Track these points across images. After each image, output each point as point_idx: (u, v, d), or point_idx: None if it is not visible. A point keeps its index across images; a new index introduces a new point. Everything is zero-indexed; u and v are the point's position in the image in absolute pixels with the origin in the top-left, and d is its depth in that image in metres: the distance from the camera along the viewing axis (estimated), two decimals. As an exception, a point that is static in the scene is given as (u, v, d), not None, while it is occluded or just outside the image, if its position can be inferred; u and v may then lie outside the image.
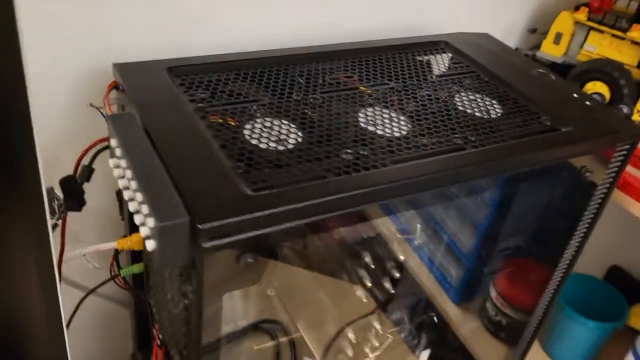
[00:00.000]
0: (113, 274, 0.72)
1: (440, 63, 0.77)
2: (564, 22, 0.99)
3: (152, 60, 0.64)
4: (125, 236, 0.68)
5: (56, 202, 0.63)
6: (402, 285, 0.82)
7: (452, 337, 0.99)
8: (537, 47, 1.03)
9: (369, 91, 0.69)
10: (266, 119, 0.59)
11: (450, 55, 0.79)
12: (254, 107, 0.61)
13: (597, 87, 0.94)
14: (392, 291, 0.81)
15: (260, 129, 0.58)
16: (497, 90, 0.72)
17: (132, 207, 0.49)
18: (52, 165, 0.63)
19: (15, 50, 0.37)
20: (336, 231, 0.63)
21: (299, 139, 0.57)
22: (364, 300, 0.76)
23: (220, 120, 0.58)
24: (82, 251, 0.70)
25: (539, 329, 0.93)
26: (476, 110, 0.67)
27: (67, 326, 0.78)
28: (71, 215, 0.66)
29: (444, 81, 0.72)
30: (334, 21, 0.82)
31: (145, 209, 0.46)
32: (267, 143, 0.56)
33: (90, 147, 0.63)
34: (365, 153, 0.56)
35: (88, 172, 0.62)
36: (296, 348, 0.80)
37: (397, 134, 0.60)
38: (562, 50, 1.01)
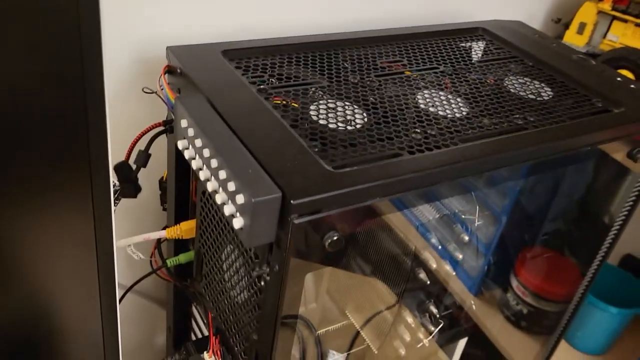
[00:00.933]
0: (155, 266, 0.71)
1: (480, 49, 0.77)
2: (587, 12, 1.00)
3: (206, 44, 0.63)
4: (167, 227, 0.67)
5: (112, 188, 0.61)
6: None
7: (475, 329, 0.99)
8: (560, 37, 1.04)
9: (415, 75, 0.68)
10: (328, 100, 0.59)
11: (489, 41, 0.79)
12: (313, 89, 0.61)
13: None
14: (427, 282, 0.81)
15: (325, 110, 0.57)
16: (543, 74, 0.72)
17: (210, 186, 0.48)
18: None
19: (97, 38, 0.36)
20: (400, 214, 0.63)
21: (365, 119, 0.57)
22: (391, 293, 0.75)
23: (284, 102, 0.57)
24: (130, 240, 0.69)
25: (572, 320, 0.94)
26: (528, 92, 0.67)
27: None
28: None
29: (490, 65, 0.72)
30: (368, 7, 0.81)
31: (232, 185, 0.45)
32: (335, 123, 0.55)
33: (145, 132, 0.61)
34: (434, 132, 0.56)
35: (145, 158, 0.60)
36: (321, 343, 0.80)
37: (458, 115, 0.60)
38: (585, 40, 1.02)
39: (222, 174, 0.46)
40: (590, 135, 0.61)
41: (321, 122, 0.55)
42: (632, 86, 0.72)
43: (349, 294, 0.72)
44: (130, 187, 0.60)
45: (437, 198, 0.57)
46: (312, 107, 0.57)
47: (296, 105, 0.58)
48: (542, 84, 0.70)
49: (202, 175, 0.49)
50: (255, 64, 0.63)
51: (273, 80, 0.61)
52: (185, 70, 0.58)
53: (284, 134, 0.51)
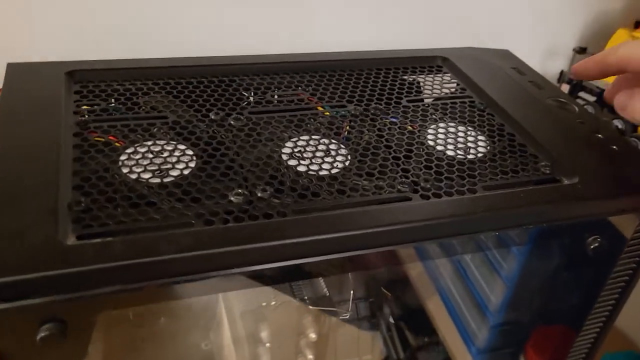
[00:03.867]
0: None
1: (428, 85, 0.62)
2: (620, 41, 0.79)
3: (55, 62, 0.54)
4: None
5: None
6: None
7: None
8: (588, 71, 0.84)
9: (327, 113, 0.55)
10: (159, 142, 0.47)
11: (445, 74, 0.63)
12: (156, 125, 0.49)
13: (655, 125, 0.74)
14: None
15: (144, 153, 0.45)
16: (490, 122, 0.55)
17: None
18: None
19: None
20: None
21: (186, 171, 0.44)
22: None
23: (100, 139, 0.47)
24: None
25: None
26: (451, 148, 0.51)
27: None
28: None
29: (423, 107, 0.57)
30: (300, 26, 0.69)
31: None
32: (139, 173, 0.43)
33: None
34: (264, 195, 0.42)
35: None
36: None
37: (323, 173, 0.46)
38: (618, 76, 0.81)
39: None
40: (506, 213, 0.44)
41: (124, 169, 0.44)
42: (614, 147, 0.53)
43: None
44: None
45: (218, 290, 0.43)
46: (129, 150, 0.46)
47: (118, 144, 0.47)
48: (481, 137, 0.53)
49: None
50: (104, 89, 0.52)
51: (112, 110, 0.50)
52: (4, 87, 0.49)
53: (48, 183, 0.40)
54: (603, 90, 0.81)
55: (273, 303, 0.51)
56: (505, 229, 0.46)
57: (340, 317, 0.55)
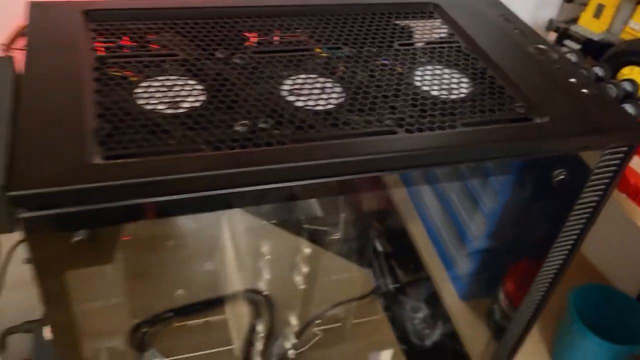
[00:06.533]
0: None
1: (419, 30, 0.66)
2: (604, -9, 0.83)
3: (73, 1, 0.58)
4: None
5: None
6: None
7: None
8: (576, 20, 0.88)
9: (324, 55, 0.59)
10: (171, 76, 0.52)
11: (437, 21, 0.67)
12: (167, 62, 0.54)
13: (633, 74, 0.79)
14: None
15: (158, 87, 0.50)
16: (474, 65, 0.60)
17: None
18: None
19: None
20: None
21: (197, 104, 0.49)
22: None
23: (117, 74, 0.51)
24: None
25: (528, 330, 0.82)
26: (435, 88, 0.56)
27: None
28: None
29: (412, 50, 0.61)
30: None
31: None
32: (155, 104, 0.48)
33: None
34: (265, 126, 0.48)
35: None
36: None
37: (319, 108, 0.51)
38: (604, 26, 0.85)
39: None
40: (480, 147, 0.50)
41: (140, 101, 0.49)
42: (584, 91, 0.58)
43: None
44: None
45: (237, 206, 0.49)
46: (143, 83, 0.51)
47: (133, 78, 0.51)
48: (463, 79, 0.58)
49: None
50: (119, 28, 0.57)
51: (126, 48, 0.55)
52: (29, 27, 0.54)
53: (75, 111, 0.45)
54: (588, 39, 0.85)
55: (273, 221, 0.57)
56: (479, 161, 0.51)
57: (332, 237, 0.61)
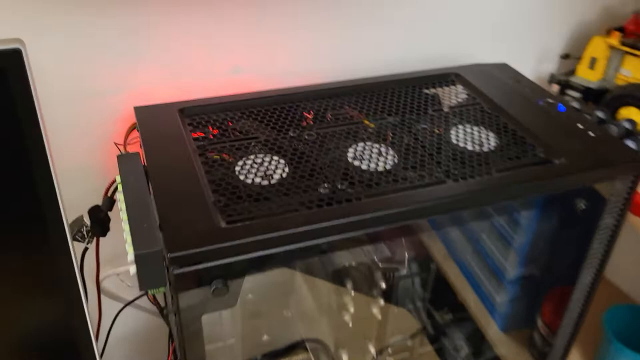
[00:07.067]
0: (143, 291, 0.81)
1: (447, 96, 0.79)
2: (597, 47, 0.97)
3: (167, 103, 0.72)
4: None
5: (84, 228, 0.71)
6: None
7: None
8: (573, 72, 1.02)
9: (372, 125, 0.72)
10: (258, 155, 0.65)
11: (459, 87, 0.81)
12: (253, 143, 0.67)
13: (631, 114, 0.91)
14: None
15: (251, 164, 0.63)
16: (497, 122, 0.73)
17: (125, 236, 0.56)
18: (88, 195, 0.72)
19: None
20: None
21: (284, 174, 0.62)
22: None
23: (217, 157, 0.64)
24: (115, 271, 0.79)
25: (566, 355, 0.91)
26: (469, 143, 0.69)
27: (108, 336, 0.87)
28: (108, 240, 0.74)
29: (444, 114, 0.74)
30: (345, 57, 0.86)
31: (128, 238, 0.52)
32: (252, 178, 0.61)
33: (114, 181, 0.71)
34: (343, 187, 0.60)
35: (110, 202, 0.70)
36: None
37: (380, 169, 0.64)
38: (599, 75, 0.99)
39: (126, 227, 0.54)
40: (515, 187, 0.62)
41: (241, 177, 0.61)
42: (591, 134, 0.70)
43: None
44: (98, 227, 0.70)
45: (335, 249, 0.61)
46: (239, 162, 0.64)
47: (230, 160, 0.64)
48: (490, 133, 0.71)
49: (125, 227, 0.57)
50: (207, 120, 0.71)
51: (217, 135, 0.68)
52: (140, 127, 0.67)
53: (195, 190, 0.58)
54: (586, 87, 0.98)
55: (353, 263, 0.68)
56: (513, 199, 0.63)
57: (400, 273, 0.72)
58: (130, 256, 0.53)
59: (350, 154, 0.66)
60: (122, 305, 0.88)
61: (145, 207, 0.55)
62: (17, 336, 0.63)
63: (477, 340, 0.98)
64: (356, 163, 0.64)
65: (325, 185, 0.60)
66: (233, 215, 0.56)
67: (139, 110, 0.70)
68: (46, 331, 0.65)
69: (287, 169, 0.63)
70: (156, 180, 0.59)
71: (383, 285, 0.71)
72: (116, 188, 0.71)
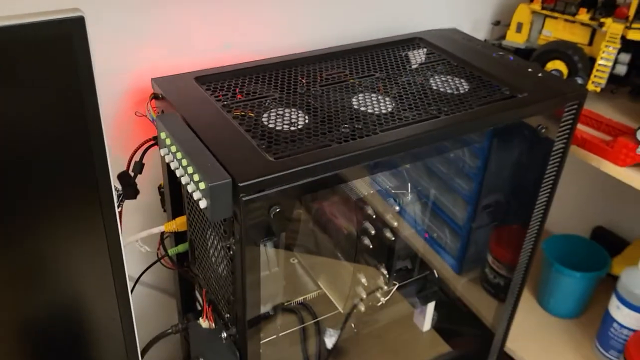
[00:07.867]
0: (160, 255, 0.87)
1: (417, 56, 0.92)
2: (522, 13, 1.14)
3: (182, 73, 0.80)
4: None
5: (115, 193, 0.77)
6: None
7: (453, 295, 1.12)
8: (503, 37, 1.19)
9: (355, 82, 0.84)
10: (278, 109, 0.75)
11: (425, 48, 0.94)
12: (268, 101, 0.76)
13: (556, 65, 1.09)
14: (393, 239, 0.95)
15: (275, 116, 0.73)
16: (464, 72, 0.87)
17: (184, 180, 0.64)
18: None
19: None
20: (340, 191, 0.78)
21: (306, 121, 0.72)
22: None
23: (242, 113, 0.73)
24: (136, 236, 0.85)
25: (524, 284, 1.07)
26: (448, 88, 0.82)
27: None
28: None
29: (420, 69, 0.87)
30: (325, 27, 0.98)
31: (196, 177, 0.61)
32: (281, 126, 0.71)
33: (139, 147, 0.78)
34: (360, 126, 0.71)
35: (139, 166, 0.76)
36: (320, 325, 0.95)
37: (384, 111, 0.75)
38: (524, 37, 1.16)
39: (190, 169, 0.62)
40: (493, 117, 0.76)
41: (270, 125, 0.71)
42: (540, 75, 0.86)
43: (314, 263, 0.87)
44: (130, 190, 0.77)
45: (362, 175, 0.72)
46: (264, 115, 0.73)
47: (252, 114, 0.74)
48: (462, 80, 0.84)
49: (178, 173, 0.65)
50: (221, 85, 0.79)
51: (235, 97, 0.77)
52: (165, 95, 0.75)
53: (238, 137, 0.67)
54: (516, 49, 1.15)
55: (371, 191, 0.79)
56: (493, 126, 0.77)
57: (405, 197, 0.85)
58: (198, 194, 0.61)
59: (354, 103, 0.77)
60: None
61: (202, 152, 0.63)
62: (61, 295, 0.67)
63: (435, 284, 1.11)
64: (362, 109, 0.76)
65: (345, 125, 0.71)
66: (277, 153, 0.65)
67: (157, 81, 0.78)
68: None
69: (307, 117, 0.73)
70: (203, 132, 0.67)
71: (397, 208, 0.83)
72: (143, 153, 0.78)
